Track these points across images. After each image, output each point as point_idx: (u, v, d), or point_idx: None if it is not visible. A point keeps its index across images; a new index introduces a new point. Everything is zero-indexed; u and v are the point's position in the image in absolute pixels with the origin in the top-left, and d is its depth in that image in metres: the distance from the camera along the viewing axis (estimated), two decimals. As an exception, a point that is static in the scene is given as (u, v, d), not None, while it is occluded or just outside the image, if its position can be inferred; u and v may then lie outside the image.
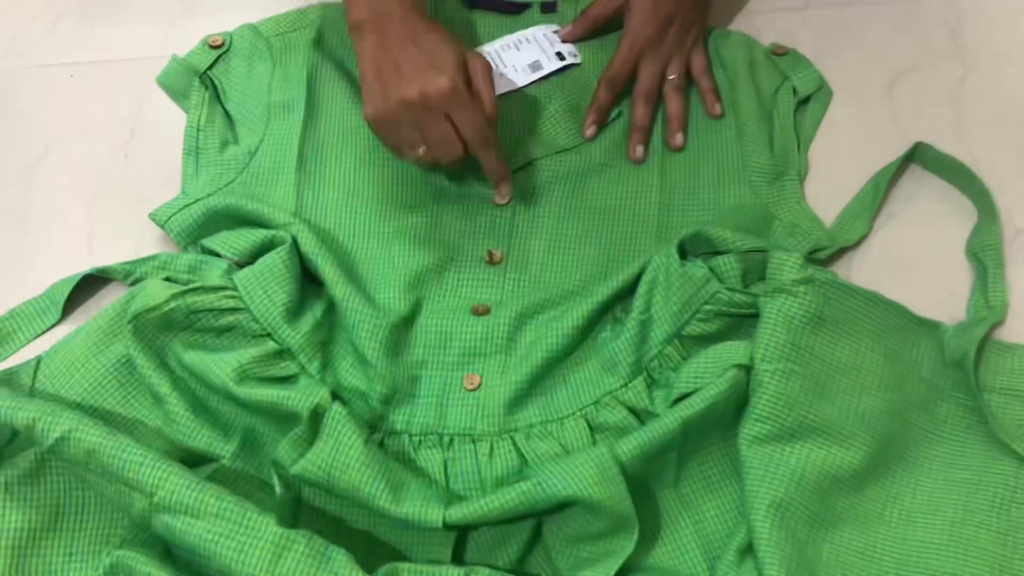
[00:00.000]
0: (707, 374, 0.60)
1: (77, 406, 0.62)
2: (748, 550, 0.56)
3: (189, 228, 0.71)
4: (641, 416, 0.62)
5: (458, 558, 0.59)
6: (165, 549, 0.57)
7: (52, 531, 0.58)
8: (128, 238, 0.73)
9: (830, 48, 0.79)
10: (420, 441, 0.62)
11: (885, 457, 0.59)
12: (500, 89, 0.74)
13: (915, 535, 0.57)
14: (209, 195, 0.72)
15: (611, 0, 0.77)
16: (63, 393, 0.63)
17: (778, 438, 0.58)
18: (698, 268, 0.64)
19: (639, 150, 0.74)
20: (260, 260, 0.67)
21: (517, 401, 0.63)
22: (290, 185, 0.72)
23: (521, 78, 0.77)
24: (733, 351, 0.61)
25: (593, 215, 0.71)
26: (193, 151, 0.75)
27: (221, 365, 0.61)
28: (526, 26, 0.80)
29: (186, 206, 0.71)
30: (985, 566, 0.55)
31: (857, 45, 0.79)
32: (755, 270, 0.65)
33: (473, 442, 0.62)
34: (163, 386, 0.62)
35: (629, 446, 0.57)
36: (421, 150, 0.67)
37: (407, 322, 0.66)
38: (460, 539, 0.59)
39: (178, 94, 0.78)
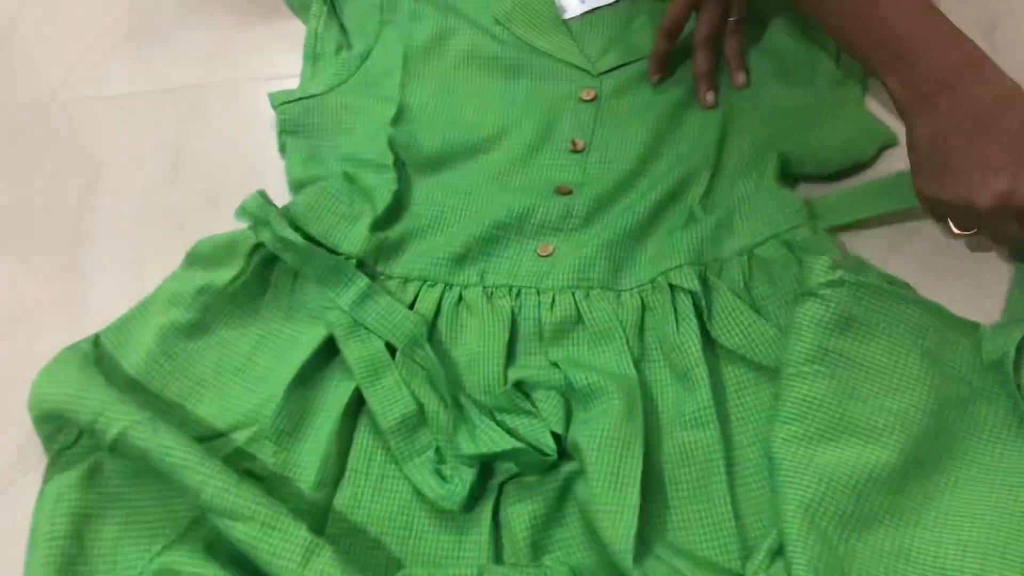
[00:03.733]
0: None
1: (132, 382, 0.65)
2: (779, 552, 0.55)
3: (295, 119, 0.78)
4: (682, 296, 0.65)
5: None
6: (210, 545, 0.59)
7: (110, 516, 0.59)
8: (173, 262, 0.75)
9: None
10: (492, 292, 0.68)
11: (922, 456, 0.58)
12: (592, 4, 0.82)
13: (953, 537, 0.56)
14: (323, 92, 0.79)
15: None
16: (122, 365, 0.66)
17: (808, 439, 0.58)
18: (790, 195, 0.68)
19: (709, 96, 0.76)
20: (308, 188, 0.73)
21: (583, 269, 0.68)
22: (395, 84, 0.79)
23: None
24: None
25: (668, 110, 0.76)
26: (311, 56, 0.83)
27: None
28: None
29: (301, 98, 0.78)
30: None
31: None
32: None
33: (538, 294, 0.68)
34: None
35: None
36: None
37: (491, 198, 0.73)
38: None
39: (301, 8, 0.87)
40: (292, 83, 0.83)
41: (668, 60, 0.78)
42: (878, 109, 0.76)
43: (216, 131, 0.82)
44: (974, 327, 0.63)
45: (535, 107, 0.78)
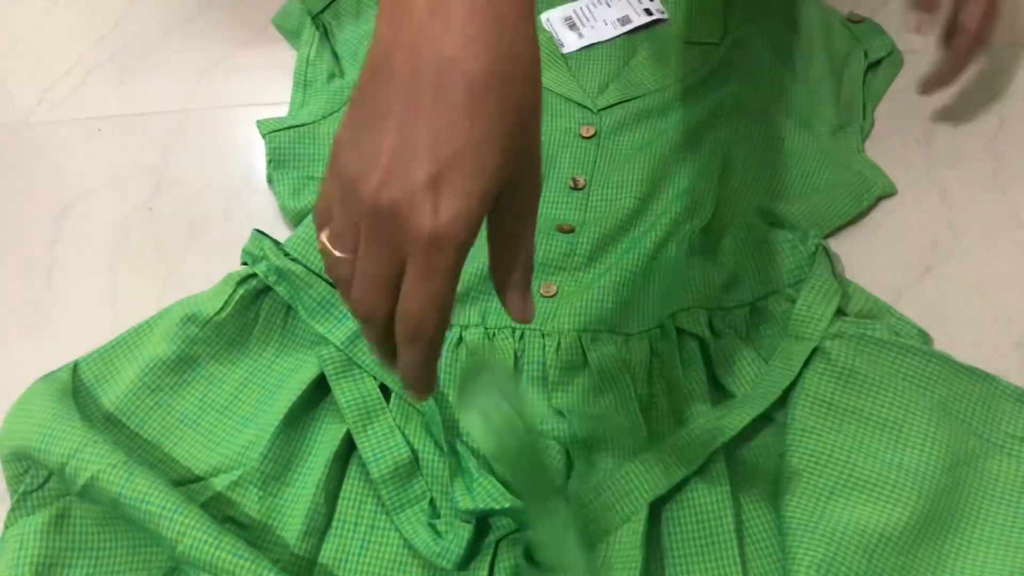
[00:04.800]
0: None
1: (110, 417, 0.62)
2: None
3: (284, 148, 0.75)
4: (689, 342, 0.63)
5: None
6: None
7: (77, 565, 0.56)
8: (151, 291, 0.72)
9: (863, 98, 0.78)
10: (494, 333, 0.65)
11: (935, 515, 0.56)
12: (590, 40, 0.81)
13: (968, 602, 0.54)
14: (314, 121, 0.76)
15: None
16: (100, 398, 0.63)
17: (818, 495, 0.56)
18: (810, 243, 0.66)
19: (922, 26, 0.71)
20: (307, 220, 0.70)
21: (589, 312, 0.65)
22: None
23: (610, 31, 0.81)
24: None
25: (668, 148, 0.74)
26: (301, 83, 0.80)
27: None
28: None
29: (291, 127, 0.75)
30: None
31: (892, 94, 0.78)
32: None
33: (543, 336, 0.65)
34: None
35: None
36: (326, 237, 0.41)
37: None
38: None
39: (291, 33, 0.85)
40: (280, 110, 0.80)
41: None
42: (880, 155, 0.74)
43: (199, 157, 0.79)
44: (984, 376, 0.61)
45: None
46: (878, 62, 0.78)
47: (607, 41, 0.81)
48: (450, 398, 0.63)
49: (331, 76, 0.80)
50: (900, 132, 0.76)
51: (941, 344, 0.65)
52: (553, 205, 0.72)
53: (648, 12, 0.82)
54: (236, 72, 0.84)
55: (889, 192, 0.72)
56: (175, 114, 0.82)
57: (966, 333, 0.66)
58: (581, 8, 0.83)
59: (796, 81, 0.77)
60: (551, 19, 0.83)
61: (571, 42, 0.81)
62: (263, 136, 0.76)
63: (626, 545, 0.55)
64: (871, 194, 0.71)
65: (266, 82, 0.83)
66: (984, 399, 0.61)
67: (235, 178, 0.78)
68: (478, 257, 0.68)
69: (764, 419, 0.61)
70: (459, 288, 0.66)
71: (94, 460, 0.56)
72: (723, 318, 0.65)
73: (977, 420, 0.60)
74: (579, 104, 0.77)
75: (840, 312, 0.64)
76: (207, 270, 0.70)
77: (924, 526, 0.56)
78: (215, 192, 0.78)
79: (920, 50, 0.78)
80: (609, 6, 0.83)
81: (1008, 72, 0.78)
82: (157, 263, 0.74)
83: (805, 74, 0.77)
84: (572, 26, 0.82)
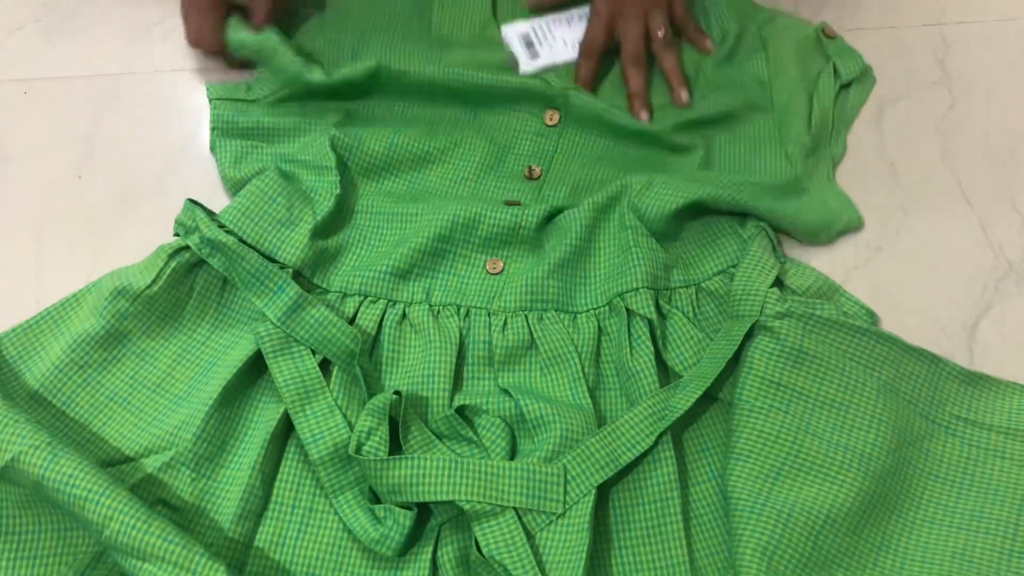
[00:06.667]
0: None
1: (34, 395, 0.59)
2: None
3: (230, 116, 0.72)
4: (638, 321, 0.62)
5: None
6: None
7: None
8: (80, 263, 0.69)
9: (815, 75, 0.77)
10: (439, 311, 0.64)
11: (880, 496, 0.56)
12: (546, 61, 0.77)
13: (911, 583, 0.54)
14: (266, 97, 0.73)
15: None
16: (24, 375, 0.60)
17: (764, 476, 0.55)
18: (750, 228, 0.65)
19: (643, 115, 0.73)
20: (244, 190, 0.67)
21: (536, 290, 0.64)
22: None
23: (569, 53, 0.77)
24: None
25: (628, 162, 0.72)
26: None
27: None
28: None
29: (241, 100, 0.73)
30: None
31: (842, 73, 0.77)
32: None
33: (489, 315, 0.63)
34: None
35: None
36: None
37: (437, 209, 0.67)
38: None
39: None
40: (215, 76, 0.77)
41: (592, 84, 0.75)
42: (848, 181, 0.72)
43: (134, 124, 0.76)
44: (931, 358, 0.61)
45: (492, 125, 0.73)
46: (849, 83, 0.76)
47: (562, 64, 0.77)
48: (393, 376, 0.62)
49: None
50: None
51: (889, 324, 0.65)
52: (503, 189, 0.70)
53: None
54: (170, 35, 0.80)
55: (854, 227, 0.70)
56: (109, 78, 0.78)
57: (914, 313, 0.66)
58: (540, 26, 0.79)
59: (768, 99, 0.74)
60: (508, 35, 0.78)
61: (525, 62, 0.77)
62: (209, 100, 0.73)
63: (572, 528, 0.54)
64: (833, 229, 0.69)
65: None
66: (930, 380, 0.61)
67: (172, 146, 0.75)
68: (425, 232, 0.66)
69: (710, 399, 0.60)
70: (402, 264, 0.65)
71: (15, 441, 0.53)
72: (669, 298, 0.64)
73: (923, 401, 0.60)
74: (542, 92, 0.73)
75: (790, 290, 0.63)
76: (140, 242, 0.67)
77: (869, 507, 0.56)
78: (150, 160, 0.74)
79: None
80: (569, 25, 0.79)
81: (959, 51, 0.78)
82: (87, 234, 0.71)
83: (772, 92, 0.75)
84: (529, 44, 0.78)
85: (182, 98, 0.77)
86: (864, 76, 0.76)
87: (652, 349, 0.61)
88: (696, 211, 0.68)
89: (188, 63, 0.79)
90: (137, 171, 0.74)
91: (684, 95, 0.74)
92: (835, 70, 0.75)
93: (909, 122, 0.74)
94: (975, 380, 0.61)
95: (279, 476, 0.58)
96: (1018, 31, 0.79)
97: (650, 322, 0.62)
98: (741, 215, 0.67)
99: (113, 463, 0.58)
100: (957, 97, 0.75)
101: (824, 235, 0.68)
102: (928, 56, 0.78)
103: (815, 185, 0.70)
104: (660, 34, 0.74)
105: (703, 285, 0.65)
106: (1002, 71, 0.77)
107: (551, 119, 0.73)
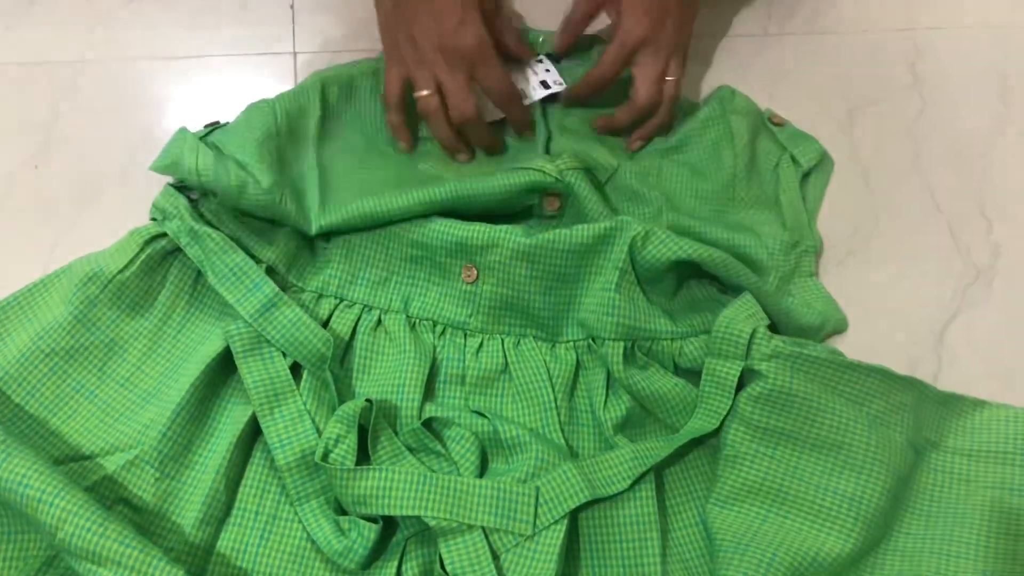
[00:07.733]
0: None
1: None
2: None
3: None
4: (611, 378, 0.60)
5: None
6: None
7: None
8: (36, 255, 0.67)
9: (787, 79, 0.77)
10: (416, 323, 0.62)
11: (873, 539, 0.55)
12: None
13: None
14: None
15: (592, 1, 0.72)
16: None
17: (749, 522, 0.55)
18: (741, 304, 0.61)
19: (638, 144, 0.71)
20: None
21: (512, 307, 0.62)
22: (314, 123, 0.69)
23: (542, 92, 0.73)
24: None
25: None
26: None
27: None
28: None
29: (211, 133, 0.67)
30: None
31: (815, 77, 0.77)
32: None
33: (465, 336, 0.62)
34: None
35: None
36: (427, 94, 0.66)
37: (417, 223, 0.64)
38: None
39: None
40: (182, 64, 0.75)
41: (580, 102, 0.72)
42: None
43: (94, 113, 0.74)
44: (914, 383, 0.60)
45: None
46: (809, 171, 0.72)
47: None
48: (364, 383, 0.60)
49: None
50: (823, 115, 0.75)
51: (860, 329, 0.65)
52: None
53: (545, 85, 0.73)
54: (136, 22, 0.78)
55: (840, 330, 0.66)
56: (67, 65, 0.76)
57: (884, 318, 0.66)
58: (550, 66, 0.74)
59: (733, 199, 0.70)
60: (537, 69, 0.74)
61: (536, 92, 0.73)
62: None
63: (541, 556, 0.53)
64: (819, 334, 0.65)
65: (168, 33, 0.77)
66: (913, 406, 0.59)
67: (133, 136, 0.73)
68: (403, 237, 0.64)
69: (697, 441, 0.59)
70: (382, 273, 0.63)
71: None
72: (648, 348, 0.61)
73: (910, 429, 0.59)
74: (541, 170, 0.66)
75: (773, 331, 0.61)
76: (100, 234, 0.65)
77: (861, 551, 0.55)
78: (111, 151, 0.72)
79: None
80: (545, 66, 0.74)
81: (931, 56, 0.78)
82: (44, 225, 0.68)
83: (741, 191, 0.70)
84: (544, 84, 0.73)
85: (144, 87, 0.75)
86: (823, 161, 0.72)
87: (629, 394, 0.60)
88: (690, 273, 0.64)
89: (151, 51, 0.77)
90: (96, 162, 0.71)
91: (638, 147, 0.71)
92: (792, 159, 0.71)
93: (881, 127, 0.74)
94: (947, 401, 0.60)
95: (244, 480, 0.57)
96: (989, 37, 0.79)
97: (608, 373, 0.60)
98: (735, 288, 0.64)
99: (76, 459, 0.56)
100: (928, 101, 0.76)
101: (810, 337, 0.64)
102: (900, 61, 0.78)
103: (798, 287, 0.66)
104: (671, 80, 0.68)
105: (688, 341, 0.61)
106: (972, 76, 0.77)
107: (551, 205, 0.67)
